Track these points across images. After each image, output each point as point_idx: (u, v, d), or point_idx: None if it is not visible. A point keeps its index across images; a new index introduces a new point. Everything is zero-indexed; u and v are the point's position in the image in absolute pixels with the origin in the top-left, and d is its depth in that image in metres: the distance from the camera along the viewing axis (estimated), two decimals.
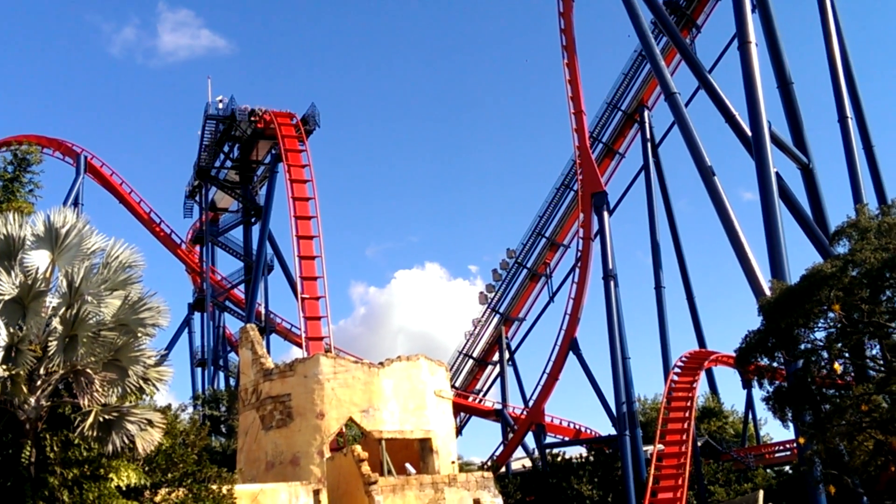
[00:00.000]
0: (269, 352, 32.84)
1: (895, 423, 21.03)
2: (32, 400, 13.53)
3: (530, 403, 49.15)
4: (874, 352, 22.34)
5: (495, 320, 55.24)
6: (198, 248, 60.05)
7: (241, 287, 58.39)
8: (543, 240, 53.82)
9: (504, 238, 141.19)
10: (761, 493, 33.97)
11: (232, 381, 53.84)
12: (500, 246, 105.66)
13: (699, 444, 42.78)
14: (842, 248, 22.89)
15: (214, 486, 17.50)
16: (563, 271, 53.93)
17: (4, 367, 12.84)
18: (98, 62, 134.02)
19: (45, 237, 14.07)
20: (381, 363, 28.33)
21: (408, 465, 27.02)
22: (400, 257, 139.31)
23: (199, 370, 58.08)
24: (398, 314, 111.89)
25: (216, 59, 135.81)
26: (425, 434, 27.94)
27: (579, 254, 47.44)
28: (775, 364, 24.18)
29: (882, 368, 22.04)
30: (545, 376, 47.15)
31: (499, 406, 52.94)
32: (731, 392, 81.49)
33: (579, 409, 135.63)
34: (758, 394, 31.52)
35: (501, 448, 50.74)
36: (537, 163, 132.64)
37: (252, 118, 52.00)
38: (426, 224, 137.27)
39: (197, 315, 58.85)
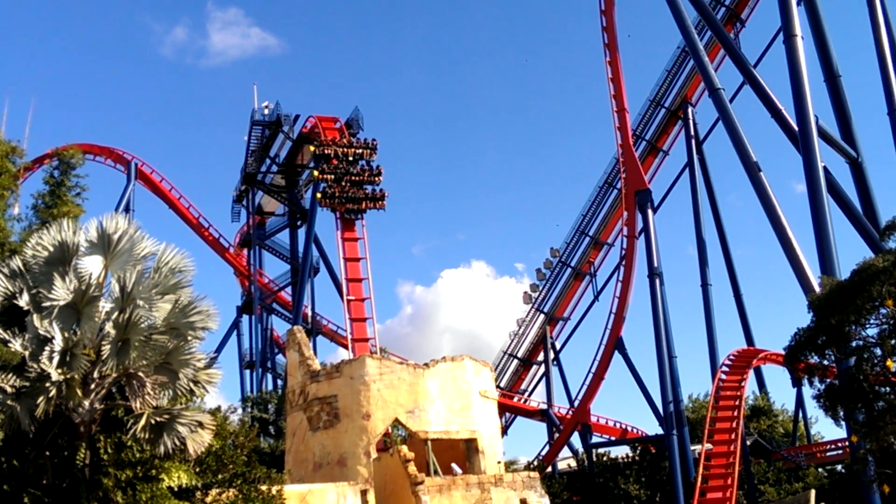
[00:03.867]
0: (315, 353, 33.13)
1: None
2: (87, 403, 13.85)
3: (576, 403, 48.94)
4: None
5: (540, 320, 55.10)
6: (245, 251, 60.86)
7: (288, 290, 59.02)
8: (587, 238, 53.56)
9: (550, 235, 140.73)
10: (813, 492, 33.42)
11: (280, 383, 54.46)
12: (546, 243, 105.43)
13: (748, 443, 42.21)
14: (893, 243, 22.44)
15: (264, 487, 17.72)
16: (607, 270, 53.69)
17: (60, 370, 13.16)
18: (150, 64, 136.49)
19: (97, 243, 14.39)
20: (427, 364, 28.45)
21: (454, 466, 27.10)
22: (447, 256, 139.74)
23: (247, 372, 58.89)
24: (445, 313, 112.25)
25: (267, 57, 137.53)
26: (471, 434, 27.99)
27: (623, 252, 47.10)
28: (826, 362, 23.78)
29: None
30: (591, 376, 46.94)
31: (544, 406, 52.79)
32: (781, 390, 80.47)
33: (626, 408, 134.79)
34: (808, 392, 30.92)
35: (547, 448, 50.60)
36: (582, 160, 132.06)
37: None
38: (473, 222, 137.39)
39: (245, 317, 59.67)
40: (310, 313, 55.64)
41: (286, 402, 31.29)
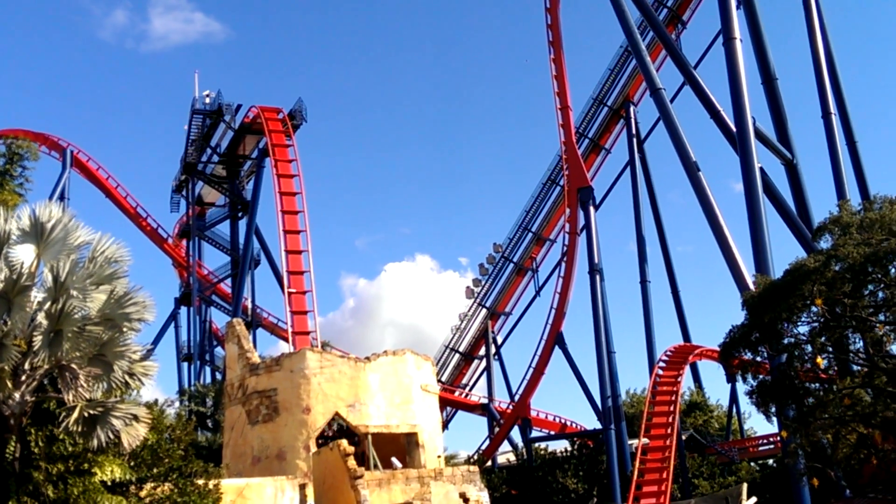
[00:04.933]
0: (255, 346, 32.84)
1: (878, 417, 21.22)
2: (17, 395, 13.49)
3: (516, 398, 49.31)
4: (857, 346, 22.51)
5: (482, 315, 55.40)
6: (184, 242, 59.95)
7: (228, 281, 58.31)
8: (530, 234, 54.00)
9: (495, 229, 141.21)
10: (745, 486, 34.19)
11: (218, 376, 53.79)
12: (490, 237, 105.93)
13: (684, 437, 43.03)
14: (825, 244, 23.05)
15: (200, 481, 17.49)
16: (549, 266, 54.23)
17: None
18: (88, 47, 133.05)
19: (30, 231, 14.01)
20: (368, 358, 28.37)
21: (394, 460, 27.08)
22: (391, 249, 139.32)
23: (185, 365, 58.00)
24: (388, 307, 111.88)
25: (210, 44, 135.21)
26: (411, 428, 28.00)
27: (565, 248, 47.58)
28: (759, 358, 24.36)
29: (865, 363, 22.23)
30: (531, 370, 47.32)
31: (485, 400, 53.09)
32: (716, 386, 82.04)
33: (565, 403, 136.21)
34: (742, 388, 31.80)
35: (487, 442, 50.91)
36: (527, 156, 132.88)
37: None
38: (418, 215, 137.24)
39: (183, 309, 58.73)
40: (250, 306, 55.10)
41: (224, 395, 30.94)
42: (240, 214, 57.51)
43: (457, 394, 54.37)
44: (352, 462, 23.52)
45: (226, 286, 59.30)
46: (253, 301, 55.35)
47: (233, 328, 30.62)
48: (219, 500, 17.98)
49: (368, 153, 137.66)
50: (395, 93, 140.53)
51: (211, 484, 17.77)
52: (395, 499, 23.16)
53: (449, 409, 53.62)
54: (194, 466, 17.67)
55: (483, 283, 55.53)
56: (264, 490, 22.45)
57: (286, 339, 45.76)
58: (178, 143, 66.66)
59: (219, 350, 57.52)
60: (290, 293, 43.73)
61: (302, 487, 23.97)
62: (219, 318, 59.92)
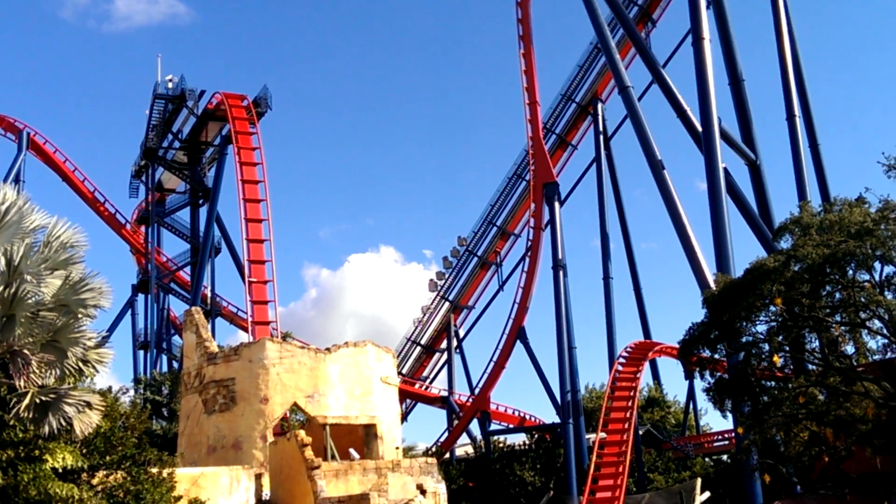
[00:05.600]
0: (214, 336, 32.56)
1: (830, 416, 21.57)
2: None
3: (476, 391, 49.40)
4: (813, 345, 22.85)
5: (444, 308, 55.39)
6: (143, 228, 59.14)
7: (187, 269, 57.61)
8: (494, 228, 54.05)
9: (460, 222, 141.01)
10: (699, 480, 34.61)
11: (175, 365, 53.19)
12: (455, 230, 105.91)
13: (641, 432, 43.44)
14: (785, 244, 23.32)
15: (154, 470, 17.29)
16: (513, 260, 54.35)
17: None
18: (47, 26, 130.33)
19: None
20: (328, 349, 28.23)
21: (352, 451, 26.97)
22: (355, 240, 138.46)
23: (141, 353, 57.28)
24: (350, 298, 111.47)
25: (176, 26, 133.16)
26: (370, 420, 27.92)
27: (530, 243, 47.71)
28: (717, 356, 24.60)
29: (820, 362, 22.57)
30: (492, 364, 47.46)
31: (445, 393, 53.13)
32: (674, 382, 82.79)
33: (525, 397, 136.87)
34: (699, 385, 32.09)
35: (446, 434, 50.97)
36: (494, 150, 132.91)
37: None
38: (383, 207, 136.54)
39: (141, 297, 57.99)
40: (209, 294, 54.52)
41: (181, 384, 30.58)
42: (201, 202, 56.78)
43: (417, 386, 54.36)
44: (309, 452, 23.38)
45: (185, 274, 58.61)
46: (212, 290, 54.82)
47: (191, 316, 30.26)
48: (173, 489, 17.78)
49: (334, 143, 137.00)
50: (363, 83, 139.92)
51: (165, 472, 17.58)
52: (351, 490, 23.05)
53: (409, 401, 53.58)
54: (148, 455, 17.47)
55: (447, 276, 55.52)
56: (219, 479, 22.25)
57: (246, 329, 45.36)
58: (139, 127, 65.80)
59: (176, 338, 56.89)
60: (250, 282, 43.38)
61: (258, 477, 23.80)
62: (177, 307, 59.36)
